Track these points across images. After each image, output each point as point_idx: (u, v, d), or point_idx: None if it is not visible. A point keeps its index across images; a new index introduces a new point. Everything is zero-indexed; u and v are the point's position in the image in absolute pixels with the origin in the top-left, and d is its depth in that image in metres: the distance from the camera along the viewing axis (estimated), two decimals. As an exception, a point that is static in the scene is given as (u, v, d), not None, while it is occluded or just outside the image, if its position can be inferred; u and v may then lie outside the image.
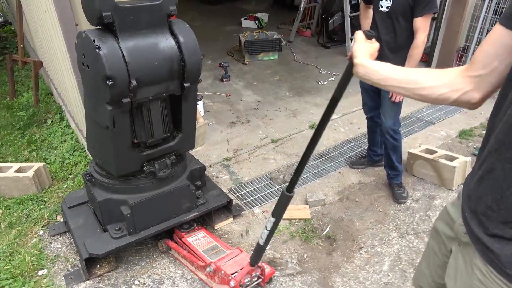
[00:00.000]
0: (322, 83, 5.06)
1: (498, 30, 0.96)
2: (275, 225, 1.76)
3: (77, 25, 2.33)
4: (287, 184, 1.62)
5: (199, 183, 2.63)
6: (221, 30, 7.42)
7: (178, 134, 2.32)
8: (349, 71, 1.24)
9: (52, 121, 4.13)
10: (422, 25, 2.44)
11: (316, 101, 4.56)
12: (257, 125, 4.06)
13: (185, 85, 2.09)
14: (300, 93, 4.79)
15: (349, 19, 5.83)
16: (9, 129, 4.08)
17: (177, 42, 1.99)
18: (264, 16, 7.69)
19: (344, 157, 3.49)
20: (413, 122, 4.06)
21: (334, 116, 4.15)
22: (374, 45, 1.24)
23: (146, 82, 1.93)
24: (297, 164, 1.52)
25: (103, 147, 2.17)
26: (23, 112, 4.40)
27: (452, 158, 3.05)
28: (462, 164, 3.01)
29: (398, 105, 2.77)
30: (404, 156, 3.25)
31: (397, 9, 2.47)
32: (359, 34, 1.23)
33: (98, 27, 1.85)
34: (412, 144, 3.62)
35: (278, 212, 1.74)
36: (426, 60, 5.49)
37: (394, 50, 2.59)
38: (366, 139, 3.37)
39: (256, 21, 7.43)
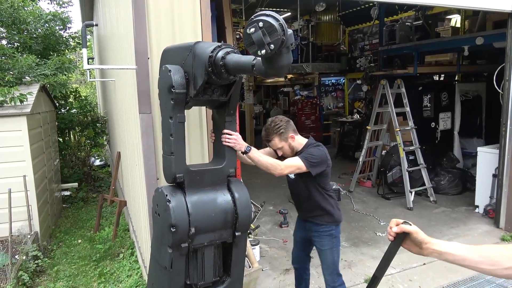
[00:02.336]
0: (381, 234, 5.04)
1: None
2: None
3: (158, 179, 2.88)
4: None
5: (244, 331, 2.66)
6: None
7: (227, 279, 2.51)
8: (393, 251, 1.29)
9: (123, 256, 4.55)
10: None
11: (373, 253, 4.50)
12: (311, 275, 4.05)
13: (237, 233, 2.38)
14: (357, 244, 4.78)
15: (407, 173, 6.04)
16: (86, 260, 4.56)
17: (233, 197, 2.37)
18: (326, 166, 8.19)
19: (401, 318, 3.28)
20: (481, 284, 3.77)
21: (392, 271, 4.05)
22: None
23: (203, 230, 2.25)
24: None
25: (160, 286, 2.42)
26: (101, 245, 4.93)
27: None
28: None
29: (334, 260, 2.87)
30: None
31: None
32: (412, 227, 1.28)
33: (171, 184, 2.32)
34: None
35: None
36: (493, 217, 5.30)
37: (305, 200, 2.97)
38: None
39: (318, 171, 7.91)
